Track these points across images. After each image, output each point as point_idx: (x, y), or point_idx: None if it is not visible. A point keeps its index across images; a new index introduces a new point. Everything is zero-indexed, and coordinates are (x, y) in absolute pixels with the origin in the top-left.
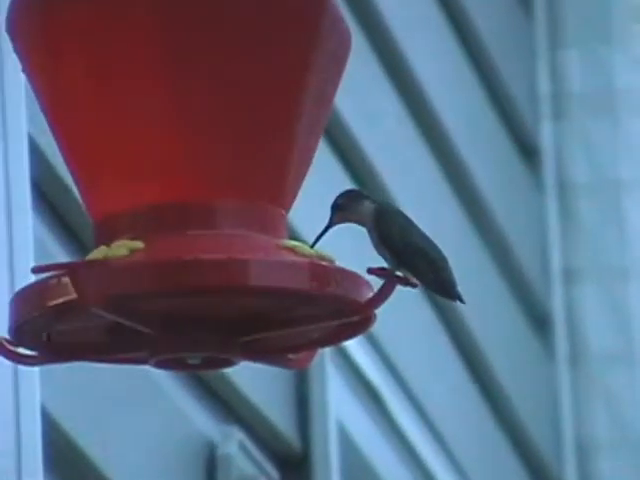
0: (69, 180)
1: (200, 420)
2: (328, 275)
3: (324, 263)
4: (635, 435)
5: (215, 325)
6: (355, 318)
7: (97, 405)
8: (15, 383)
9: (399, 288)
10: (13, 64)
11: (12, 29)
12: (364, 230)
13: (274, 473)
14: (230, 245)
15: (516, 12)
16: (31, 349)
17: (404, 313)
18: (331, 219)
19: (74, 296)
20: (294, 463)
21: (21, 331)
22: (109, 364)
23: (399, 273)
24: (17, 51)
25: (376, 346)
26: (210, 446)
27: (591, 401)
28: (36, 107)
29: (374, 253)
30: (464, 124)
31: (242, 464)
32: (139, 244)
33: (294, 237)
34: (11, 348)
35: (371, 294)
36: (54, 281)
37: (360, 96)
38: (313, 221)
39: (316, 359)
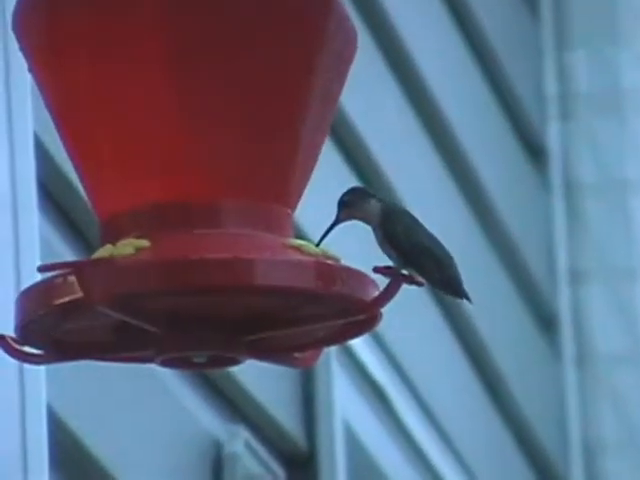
0: (75, 179)
1: (206, 419)
2: (334, 274)
3: (330, 262)
4: None
5: (221, 324)
6: (361, 317)
7: (103, 404)
8: (21, 382)
9: (405, 287)
10: (19, 63)
11: (18, 28)
12: (369, 229)
13: (280, 472)
14: (236, 244)
15: (522, 12)
16: (37, 348)
17: (410, 312)
18: (337, 216)
19: (80, 295)
20: (300, 462)
21: (27, 330)
22: (115, 363)
23: (405, 272)
24: (23, 50)
25: (382, 345)
26: (216, 445)
27: (598, 401)
28: (42, 106)
29: (380, 252)
30: (471, 124)
31: (248, 463)
32: (145, 243)
33: (299, 236)
34: (17, 347)
35: (377, 293)
36: (60, 280)
37: (365, 95)
38: (318, 219)
39: (322, 358)
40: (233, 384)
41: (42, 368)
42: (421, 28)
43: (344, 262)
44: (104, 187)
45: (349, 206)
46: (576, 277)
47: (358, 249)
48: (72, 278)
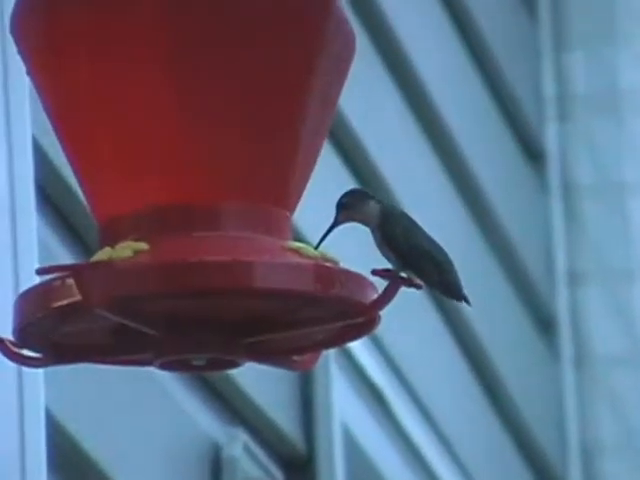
0: (73, 181)
1: (205, 422)
2: (333, 276)
3: (329, 265)
4: None
5: (220, 326)
6: (360, 319)
7: (102, 407)
8: (19, 385)
9: (404, 290)
10: (17, 66)
11: (16, 31)
12: (368, 231)
13: (279, 475)
14: (235, 247)
15: (520, 13)
16: (35, 351)
17: (409, 315)
18: (336, 218)
19: (79, 298)
20: (299, 465)
21: (25, 333)
22: (114, 366)
23: (403, 274)
24: (21, 53)
25: (381, 348)
26: (215, 448)
27: (596, 403)
28: (40, 109)
29: (378, 254)
30: (469, 126)
31: (247, 466)
32: (144, 245)
33: (298, 238)
34: (15, 350)
35: (375, 295)
36: (58, 283)
37: (364, 97)
38: (317, 222)
39: (321, 361)
40: (232, 387)
41: (40, 371)
42: (419, 30)
43: (343, 265)
44: (103, 189)
45: (348, 208)
46: (574, 279)
47: (357, 251)
48: (70, 281)
